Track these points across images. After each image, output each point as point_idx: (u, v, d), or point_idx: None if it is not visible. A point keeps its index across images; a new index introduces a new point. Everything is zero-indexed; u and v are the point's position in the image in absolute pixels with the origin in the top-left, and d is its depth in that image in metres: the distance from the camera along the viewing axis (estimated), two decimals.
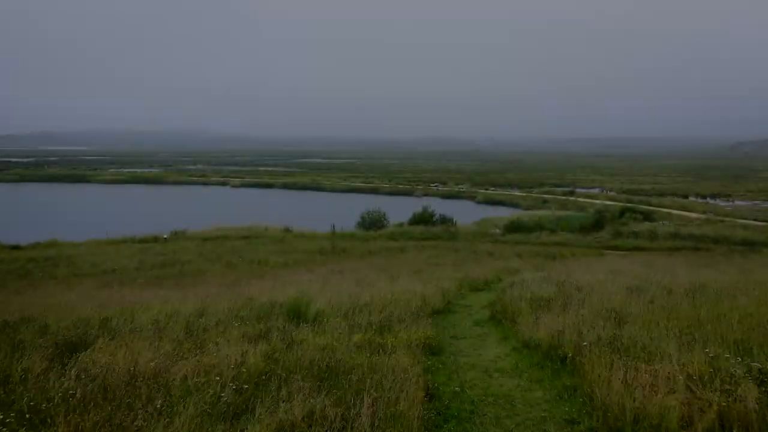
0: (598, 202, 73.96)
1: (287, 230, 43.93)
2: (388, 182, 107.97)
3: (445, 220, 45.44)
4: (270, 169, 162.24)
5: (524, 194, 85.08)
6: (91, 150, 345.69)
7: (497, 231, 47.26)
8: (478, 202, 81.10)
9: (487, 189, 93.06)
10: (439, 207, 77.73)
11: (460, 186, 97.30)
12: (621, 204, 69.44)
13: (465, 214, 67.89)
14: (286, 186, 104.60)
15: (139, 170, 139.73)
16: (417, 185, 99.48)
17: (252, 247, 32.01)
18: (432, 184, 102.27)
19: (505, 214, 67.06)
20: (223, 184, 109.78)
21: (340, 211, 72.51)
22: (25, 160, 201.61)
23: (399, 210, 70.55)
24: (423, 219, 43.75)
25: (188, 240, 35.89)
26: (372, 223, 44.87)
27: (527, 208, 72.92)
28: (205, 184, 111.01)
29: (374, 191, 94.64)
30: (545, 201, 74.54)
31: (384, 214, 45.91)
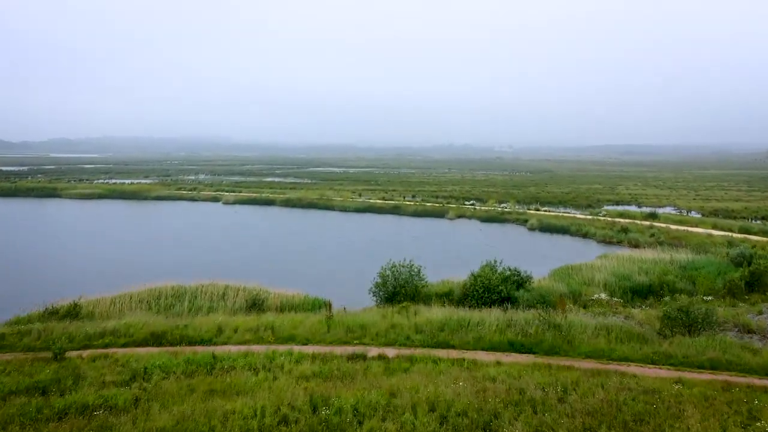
0: (700, 231, 54.50)
1: (256, 300, 25.73)
2: (411, 198, 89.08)
3: (521, 281, 26.53)
4: (277, 180, 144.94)
5: (589, 217, 65.76)
6: (99, 158, 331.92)
7: (604, 297, 28.56)
8: (532, 228, 61.94)
9: (538, 209, 73.74)
10: (481, 236, 58.98)
11: (503, 205, 77.96)
12: (741, 236, 50.06)
13: (521, 249, 48.94)
14: (288, 203, 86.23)
15: (127, 181, 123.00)
16: (448, 203, 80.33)
17: (136, 389, 13.59)
18: (467, 202, 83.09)
19: (578, 251, 47.97)
20: (215, 199, 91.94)
21: (350, 244, 53.12)
22: (16, 169, 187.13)
23: (431, 241, 51.78)
24: (490, 288, 24.70)
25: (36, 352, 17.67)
26: (399, 286, 26.26)
27: (604, 240, 53.80)
28: (193, 199, 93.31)
29: (395, 211, 75.91)
30: (626, 230, 55.12)
31: (418, 271, 27.02)
